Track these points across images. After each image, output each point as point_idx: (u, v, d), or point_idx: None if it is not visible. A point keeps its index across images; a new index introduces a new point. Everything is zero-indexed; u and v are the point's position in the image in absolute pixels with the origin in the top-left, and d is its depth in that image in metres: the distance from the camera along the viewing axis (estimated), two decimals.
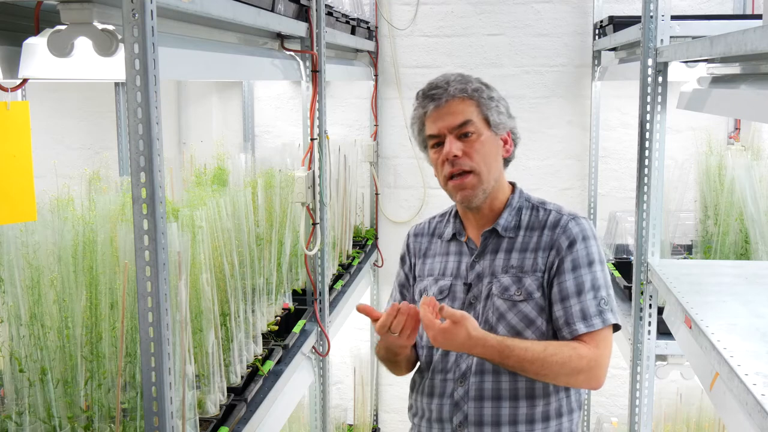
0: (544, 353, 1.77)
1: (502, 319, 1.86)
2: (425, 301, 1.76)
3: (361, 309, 1.83)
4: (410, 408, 2.02)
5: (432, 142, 1.92)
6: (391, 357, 1.99)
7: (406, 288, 2.08)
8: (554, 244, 1.89)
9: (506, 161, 1.99)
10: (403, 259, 2.10)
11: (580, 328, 1.82)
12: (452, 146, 1.87)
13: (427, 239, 2.06)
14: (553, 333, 1.88)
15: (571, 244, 1.88)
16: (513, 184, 2.02)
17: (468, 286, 1.93)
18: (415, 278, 2.05)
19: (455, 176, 1.88)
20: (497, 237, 1.94)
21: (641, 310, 2.82)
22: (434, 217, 2.10)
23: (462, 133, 1.88)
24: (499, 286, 1.88)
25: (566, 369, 1.79)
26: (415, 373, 2.03)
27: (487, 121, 1.91)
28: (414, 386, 2.01)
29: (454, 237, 2.00)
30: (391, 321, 1.78)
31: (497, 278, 1.89)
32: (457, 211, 2.03)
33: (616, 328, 1.89)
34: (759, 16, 2.54)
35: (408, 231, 2.13)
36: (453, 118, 1.88)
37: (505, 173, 2.00)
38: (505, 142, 1.96)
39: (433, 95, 1.91)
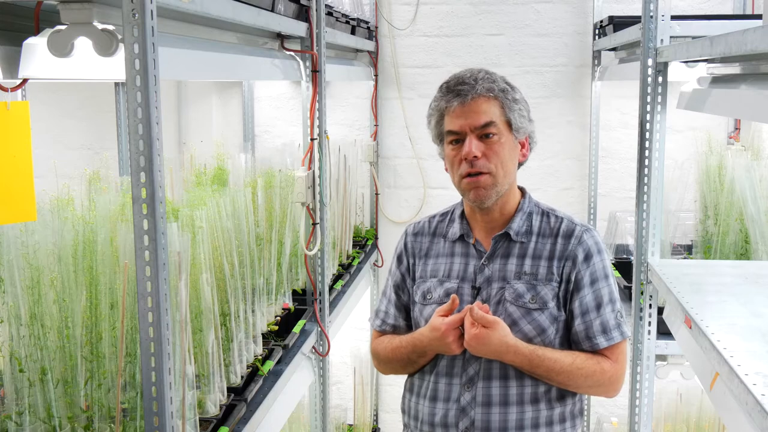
0: (572, 366, 1.84)
1: (515, 325, 1.85)
2: (469, 308, 1.81)
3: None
4: (407, 411, 2.00)
5: (451, 138, 1.89)
6: (416, 358, 1.95)
7: (401, 289, 2.04)
8: (570, 254, 1.89)
9: (520, 164, 1.97)
10: (399, 259, 2.05)
11: (602, 342, 1.87)
12: (473, 146, 1.84)
13: (428, 239, 2.02)
14: (560, 343, 1.89)
15: (588, 257, 1.89)
16: (522, 189, 2.00)
17: (476, 290, 1.91)
18: (414, 279, 2.01)
19: (471, 175, 1.87)
20: (509, 241, 1.92)
21: (641, 310, 2.82)
22: (434, 217, 2.06)
23: (483, 133, 1.86)
24: (513, 292, 1.87)
25: (589, 382, 1.86)
26: (414, 375, 2.00)
27: (509, 124, 1.89)
28: (413, 389, 1.98)
29: (461, 238, 1.97)
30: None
31: (510, 284, 1.88)
32: (463, 212, 2.00)
33: None
34: (759, 16, 2.54)
35: (405, 229, 2.08)
36: (477, 117, 1.86)
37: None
38: (522, 146, 1.94)
39: (459, 90, 1.87)
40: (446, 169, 1.97)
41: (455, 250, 1.97)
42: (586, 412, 4.37)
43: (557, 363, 1.83)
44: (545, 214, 1.96)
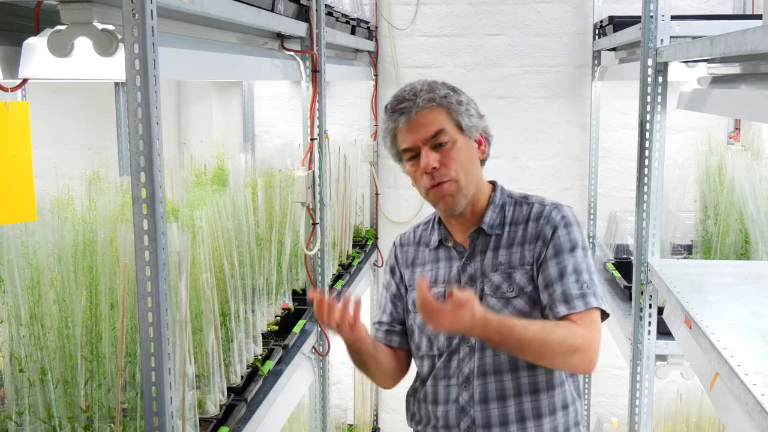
0: (543, 332, 1.76)
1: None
2: (419, 282, 1.71)
3: (312, 296, 1.83)
4: (413, 416, 2.01)
5: (408, 156, 1.90)
6: (354, 356, 1.94)
7: (398, 298, 2.05)
8: (540, 235, 1.88)
9: (482, 161, 1.97)
10: (393, 270, 2.07)
11: (561, 310, 1.80)
12: (429, 159, 1.85)
13: (413, 248, 2.04)
14: None
15: (554, 231, 1.87)
16: (493, 183, 2.00)
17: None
18: (406, 288, 2.03)
19: (434, 186, 1.87)
20: (484, 236, 1.93)
21: (641, 310, 2.82)
22: (419, 226, 2.08)
23: (436, 143, 1.86)
24: (491, 285, 1.88)
25: (563, 348, 1.76)
26: (415, 381, 2.01)
27: (460, 127, 1.88)
28: (415, 394, 2.00)
29: (440, 243, 1.99)
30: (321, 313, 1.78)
31: (488, 277, 1.89)
32: (440, 217, 2.01)
33: (605, 316, 1.87)
34: (759, 16, 2.54)
35: (394, 241, 2.11)
36: (425, 129, 1.86)
37: (483, 173, 1.98)
38: (480, 144, 1.94)
39: (402, 109, 1.88)
40: (414, 186, 1.97)
41: (439, 255, 1.99)
42: (585, 406, 4.38)
43: (527, 330, 1.75)
44: (518, 202, 1.96)
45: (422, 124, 1.86)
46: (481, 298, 1.88)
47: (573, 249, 1.86)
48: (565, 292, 1.82)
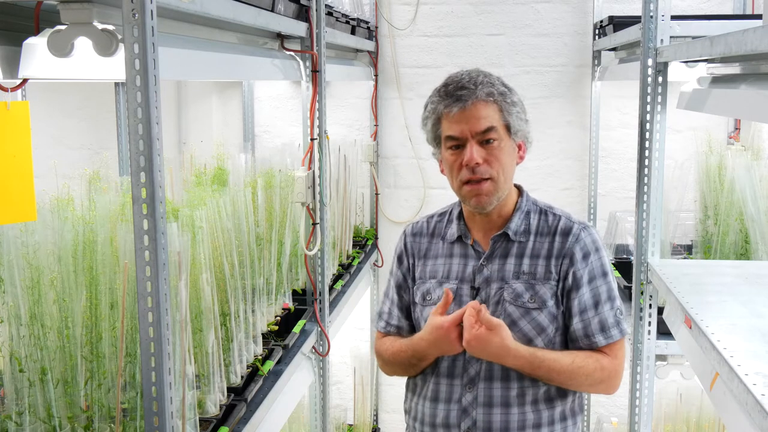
0: (572, 365, 1.83)
1: (514, 325, 1.85)
2: (473, 305, 1.79)
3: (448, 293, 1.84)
4: (409, 411, 2.00)
5: (450, 144, 1.87)
6: (416, 362, 1.94)
7: (403, 289, 2.03)
8: (567, 252, 1.88)
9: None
10: (400, 259, 2.05)
11: (600, 340, 1.87)
12: (475, 153, 1.82)
13: (426, 239, 2.02)
14: (561, 340, 1.89)
15: (586, 255, 1.88)
16: (519, 187, 1.99)
17: (475, 290, 1.90)
18: (414, 280, 2.01)
19: (472, 182, 1.85)
20: (507, 241, 1.92)
21: (641, 310, 2.82)
22: (432, 217, 2.05)
23: (484, 139, 1.84)
24: (512, 292, 1.87)
25: (590, 380, 1.86)
26: (416, 376, 2.00)
27: (508, 128, 1.87)
28: (415, 389, 1.99)
29: (459, 239, 1.97)
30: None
31: (508, 284, 1.88)
32: (460, 212, 1.99)
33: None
34: (759, 16, 2.54)
35: (404, 229, 2.08)
36: (477, 122, 1.83)
37: None
38: (519, 148, 1.93)
39: (459, 95, 1.84)
40: (442, 171, 1.95)
41: (454, 251, 1.97)
42: (586, 410, 4.38)
43: (557, 363, 1.82)
44: (543, 212, 1.95)
45: (475, 117, 1.83)
46: (499, 302, 1.88)
47: (605, 275, 1.90)
48: (601, 321, 1.87)
